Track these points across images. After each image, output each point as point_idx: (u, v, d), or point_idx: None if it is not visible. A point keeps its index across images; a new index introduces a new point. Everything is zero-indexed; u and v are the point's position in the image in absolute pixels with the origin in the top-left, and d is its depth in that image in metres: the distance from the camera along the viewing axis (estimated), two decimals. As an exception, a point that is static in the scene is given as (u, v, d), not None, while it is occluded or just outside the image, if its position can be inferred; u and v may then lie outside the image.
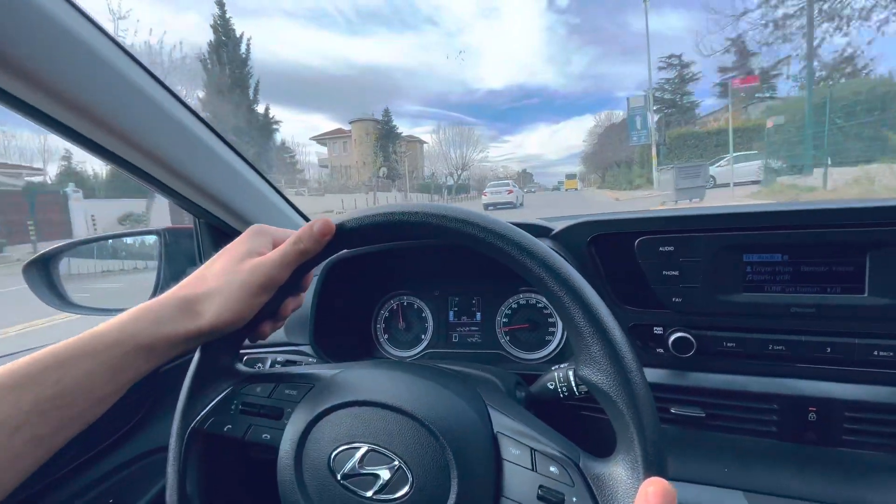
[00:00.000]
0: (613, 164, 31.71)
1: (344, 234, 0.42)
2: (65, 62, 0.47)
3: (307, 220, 0.92)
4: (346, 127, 52.36)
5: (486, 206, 21.62)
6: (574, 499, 0.32)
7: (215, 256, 0.43)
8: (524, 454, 0.35)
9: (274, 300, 0.43)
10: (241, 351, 0.76)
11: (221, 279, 0.40)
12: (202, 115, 0.68)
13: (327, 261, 0.74)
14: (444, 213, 0.38)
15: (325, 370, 0.44)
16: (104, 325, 0.36)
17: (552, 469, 0.34)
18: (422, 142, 61.37)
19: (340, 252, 0.77)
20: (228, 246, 0.43)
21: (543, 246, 0.36)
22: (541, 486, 0.33)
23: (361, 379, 0.42)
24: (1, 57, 0.41)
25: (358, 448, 0.36)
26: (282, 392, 0.42)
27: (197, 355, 0.43)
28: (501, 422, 0.38)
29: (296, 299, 0.48)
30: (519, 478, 0.35)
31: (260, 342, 0.50)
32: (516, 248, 0.36)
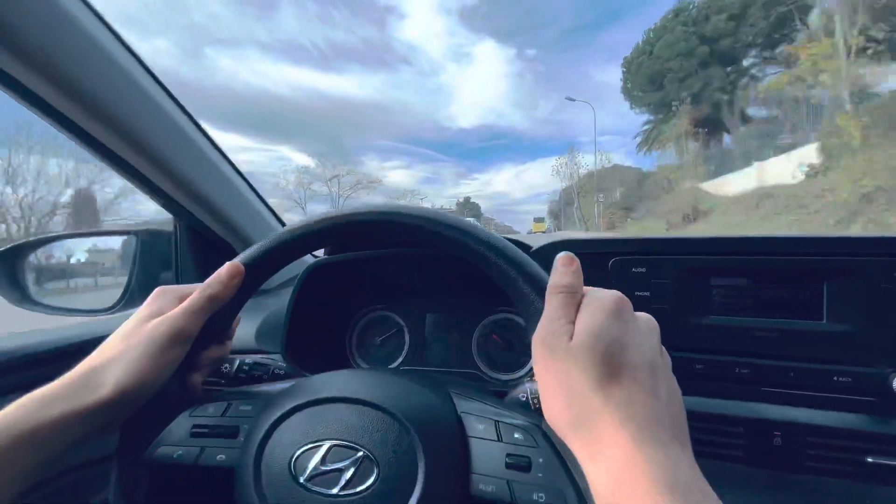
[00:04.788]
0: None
1: (254, 269, 0.42)
2: (72, 56, 0.48)
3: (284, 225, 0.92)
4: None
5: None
6: (540, 459, 0.33)
7: (120, 326, 0.40)
8: (489, 427, 0.36)
9: (193, 351, 0.41)
10: None
11: (123, 343, 0.38)
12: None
13: (308, 265, 0.73)
14: (342, 214, 0.41)
15: (280, 385, 0.43)
16: None
17: (517, 436, 0.35)
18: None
19: (321, 258, 0.77)
20: (133, 314, 0.41)
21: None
22: (508, 455, 0.34)
23: (317, 382, 0.41)
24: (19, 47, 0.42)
25: (320, 445, 0.35)
26: (236, 409, 0.40)
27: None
28: (464, 405, 0.39)
29: (221, 347, 0.46)
30: (486, 452, 0.35)
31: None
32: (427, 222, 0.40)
